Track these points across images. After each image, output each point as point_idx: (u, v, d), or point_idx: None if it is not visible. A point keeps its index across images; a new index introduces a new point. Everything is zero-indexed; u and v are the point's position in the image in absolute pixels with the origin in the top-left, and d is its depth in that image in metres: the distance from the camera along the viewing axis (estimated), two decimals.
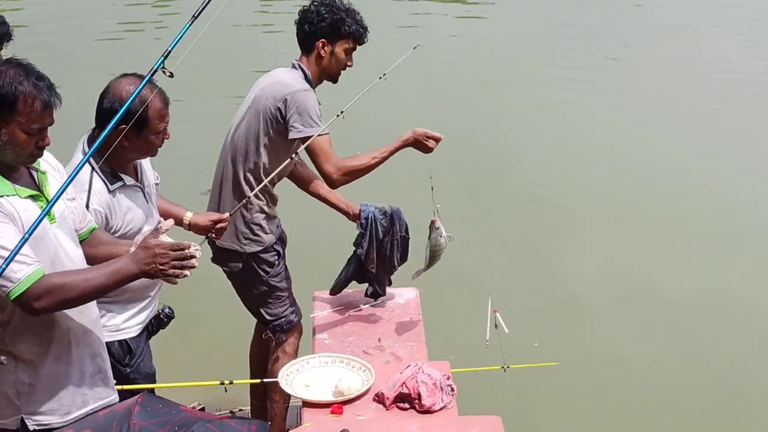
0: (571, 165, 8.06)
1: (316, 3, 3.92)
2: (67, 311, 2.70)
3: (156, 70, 2.90)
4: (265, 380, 4.11)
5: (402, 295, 4.17)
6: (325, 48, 3.90)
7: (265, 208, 3.93)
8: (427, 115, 7.52)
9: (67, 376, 2.74)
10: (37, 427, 2.69)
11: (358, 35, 3.92)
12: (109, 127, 2.75)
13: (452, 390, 3.28)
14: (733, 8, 12.93)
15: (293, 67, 3.94)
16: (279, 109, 3.78)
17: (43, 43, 10.45)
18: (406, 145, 3.93)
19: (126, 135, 2.98)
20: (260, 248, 3.92)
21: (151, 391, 3.25)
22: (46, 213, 2.55)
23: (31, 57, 2.69)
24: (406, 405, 3.23)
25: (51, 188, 2.71)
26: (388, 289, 4.16)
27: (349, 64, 3.97)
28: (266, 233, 3.93)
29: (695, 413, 5.15)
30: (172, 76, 2.92)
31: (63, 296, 2.57)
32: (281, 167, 3.77)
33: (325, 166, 3.80)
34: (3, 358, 2.46)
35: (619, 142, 8.53)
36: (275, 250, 4.00)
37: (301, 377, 3.47)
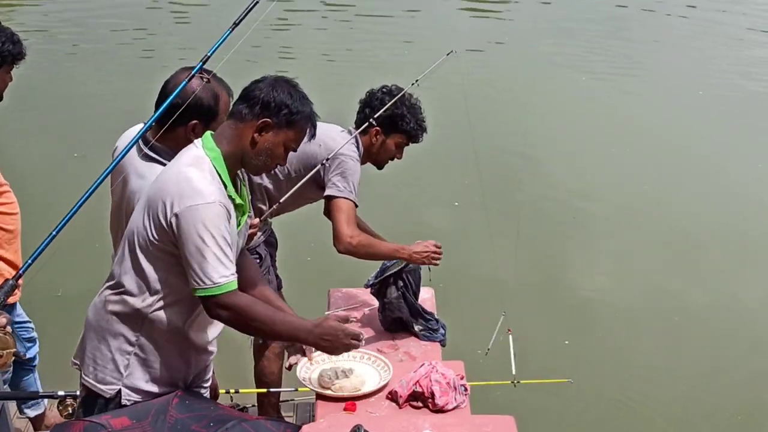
0: (591, 171, 8.05)
1: (384, 90, 3.96)
2: (210, 327, 2.90)
3: (194, 75, 2.96)
4: (272, 390, 4.13)
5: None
6: (378, 137, 3.96)
7: None
8: (451, 119, 7.53)
9: (178, 369, 2.90)
10: (126, 402, 2.82)
11: (413, 134, 3.98)
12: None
13: (465, 390, 3.28)
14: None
15: (348, 131, 3.97)
16: (325, 164, 3.81)
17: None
18: (413, 261, 3.86)
19: (194, 130, 3.03)
20: None
21: None
22: None
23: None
24: (420, 403, 3.22)
25: (247, 202, 2.90)
26: None
27: (398, 156, 4.03)
28: None
29: (711, 428, 5.13)
30: (209, 81, 2.98)
31: (244, 319, 2.76)
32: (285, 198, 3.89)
33: (344, 227, 3.78)
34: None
35: (637, 149, 8.51)
36: (257, 252, 4.00)
37: (320, 369, 3.41)
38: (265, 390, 4.20)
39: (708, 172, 8.13)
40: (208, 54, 3.11)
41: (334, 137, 3.90)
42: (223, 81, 3.11)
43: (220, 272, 2.68)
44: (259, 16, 3.26)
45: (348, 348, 2.85)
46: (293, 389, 4.17)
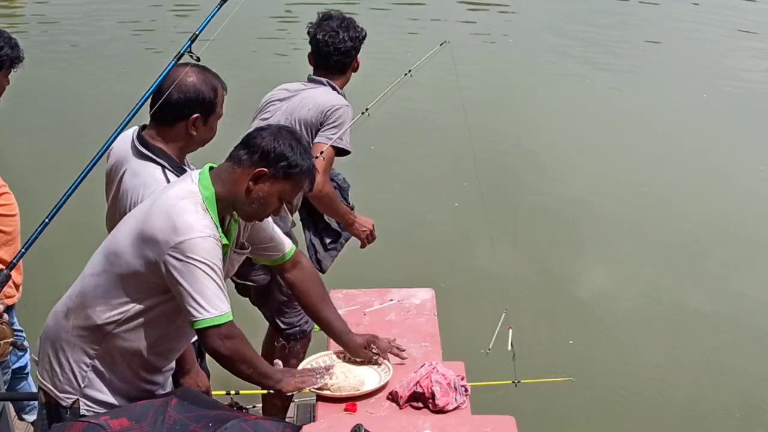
0: (592, 170, 8.02)
1: (339, 29, 4.07)
2: (171, 353, 2.93)
3: (183, 54, 2.97)
4: (272, 391, 4.13)
5: (417, 295, 4.15)
6: (357, 62, 4.14)
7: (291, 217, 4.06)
8: (449, 114, 7.51)
9: (135, 385, 2.91)
10: (86, 412, 2.82)
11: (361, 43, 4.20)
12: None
13: (466, 390, 3.27)
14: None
15: (320, 83, 4.04)
16: (323, 114, 3.92)
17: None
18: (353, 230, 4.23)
19: (194, 123, 3.04)
20: None
21: None
22: None
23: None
24: (420, 404, 3.22)
25: (232, 238, 2.91)
26: (405, 290, 4.14)
27: None
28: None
29: (711, 425, 5.11)
30: (198, 60, 2.99)
31: (241, 351, 2.79)
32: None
33: (318, 174, 3.84)
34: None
35: (639, 148, 8.48)
36: None
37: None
38: (265, 391, 4.19)
39: (710, 171, 8.11)
40: (197, 32, 3.14)
41: (317, 95, 4.00)
42: (218, 75, 3.12)
43: (223, 301, 2.69)
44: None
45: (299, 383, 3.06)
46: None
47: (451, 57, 4.18)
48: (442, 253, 6.49)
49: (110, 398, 2.85)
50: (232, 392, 4.09)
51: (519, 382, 3.74)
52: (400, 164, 6.02)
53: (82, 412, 2.83)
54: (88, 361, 2.82)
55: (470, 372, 3.45)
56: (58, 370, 2.86)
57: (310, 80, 4.11)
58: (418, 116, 8.43)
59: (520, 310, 4.28)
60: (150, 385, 2.95)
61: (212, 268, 2.66)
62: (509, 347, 3.72)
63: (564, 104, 9.42)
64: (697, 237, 7.03)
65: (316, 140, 3.93)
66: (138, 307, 2.76)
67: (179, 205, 2.69)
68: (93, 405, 2.84)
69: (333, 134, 3.92)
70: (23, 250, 2.68)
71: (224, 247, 2.80)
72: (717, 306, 6.18)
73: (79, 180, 2.85)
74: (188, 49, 3.06)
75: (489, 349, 3.78)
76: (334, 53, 4.04)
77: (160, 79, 3.00)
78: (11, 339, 2.61)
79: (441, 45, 4.16)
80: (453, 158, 7.63)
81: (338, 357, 3.44)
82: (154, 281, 2.72)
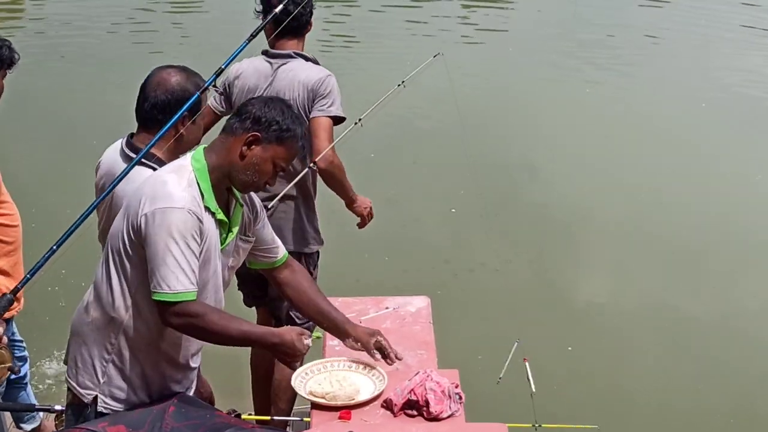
0: (592, 175, 7.95)
1: None
2: (185, 342, 2.91)
3: (207, 87, 3.04)
4: (276, 418, 4.14)
5: (413, 303, 4.17)
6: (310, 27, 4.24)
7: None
8: (445, 124, 7.50)
9: (153, 381, 2.93)
10: (104, 410, 2.85)
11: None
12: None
13: (460, 398, 3.29)
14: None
15: (288, 57, 4.08)
16: (312, 92, 3.95)
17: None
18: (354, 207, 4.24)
19: (183, 123, 3.11)
20: (320, 247, 4.10)
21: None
22: None
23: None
24: (414, 412, 3.24)
25: (238, 221, 2.94)
26: (400, 298, 4.17)
27: None
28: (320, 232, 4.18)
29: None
30: (222, 93, 3.06)
31: (196, 328, 2.77)
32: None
33: (324, 144, 3.90)
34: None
35: (640, 153, 8.42)
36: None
37: (316, 379, 3.41)
38: (268, 417, 4.20)
39: (713, 174, 8.04)
40: (222, 66, 3.19)
41: (298, 74, 4.02)
42: (198, 74, 3.22)
43: (179, 279, 2.68)
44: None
45: (302, 348, 2.95)
46: (299, 419, 4.13)
47: (450, 62, 4.21)
48: (438, 260, 6.49)
49: (131, 395, 2.88)
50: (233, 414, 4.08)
51: (540, 426, 3.62)
52: (398, 171, 5.97)
53: (99, 409, 2.86)
54: (107, 356, 2.86)
55: (468, 378, 3.44)
56: (81, 366, 2.91)
57: (275, 56, 4.13)
58: (416, 124, 8.45)
59: (518, 315, 4.26)
60: (172, 382, 2.97)
61: (177, 243, 2.68)
62: (528, 380, 3.64)
63: (565, 106, 9.36)
64: (707, 248, 6.83)
65: (312, 116, 3.98)
66: (141, 292, 2.79)
67: (165, 176, 2.78)
68: (111, 402, 2.88)
69: (324, 105, 3.97)
70: (28, 275, 2.71)
71: (222, 224, 2.85)
72: (719, 316, 6.07)
73: (89, 210, 2.88)
74: (213, 83, 3.14)
75: (500, 378, 3.72)
76: (304, 13, 4.13)
77: (186, 108, 3.05)
78: (9, 364, 2.65)
79: (434, 57, 4.18)
80: (450, 165, 7.62)
81: (333, 365, 3.47)
82: (143, 254, 2.75)
